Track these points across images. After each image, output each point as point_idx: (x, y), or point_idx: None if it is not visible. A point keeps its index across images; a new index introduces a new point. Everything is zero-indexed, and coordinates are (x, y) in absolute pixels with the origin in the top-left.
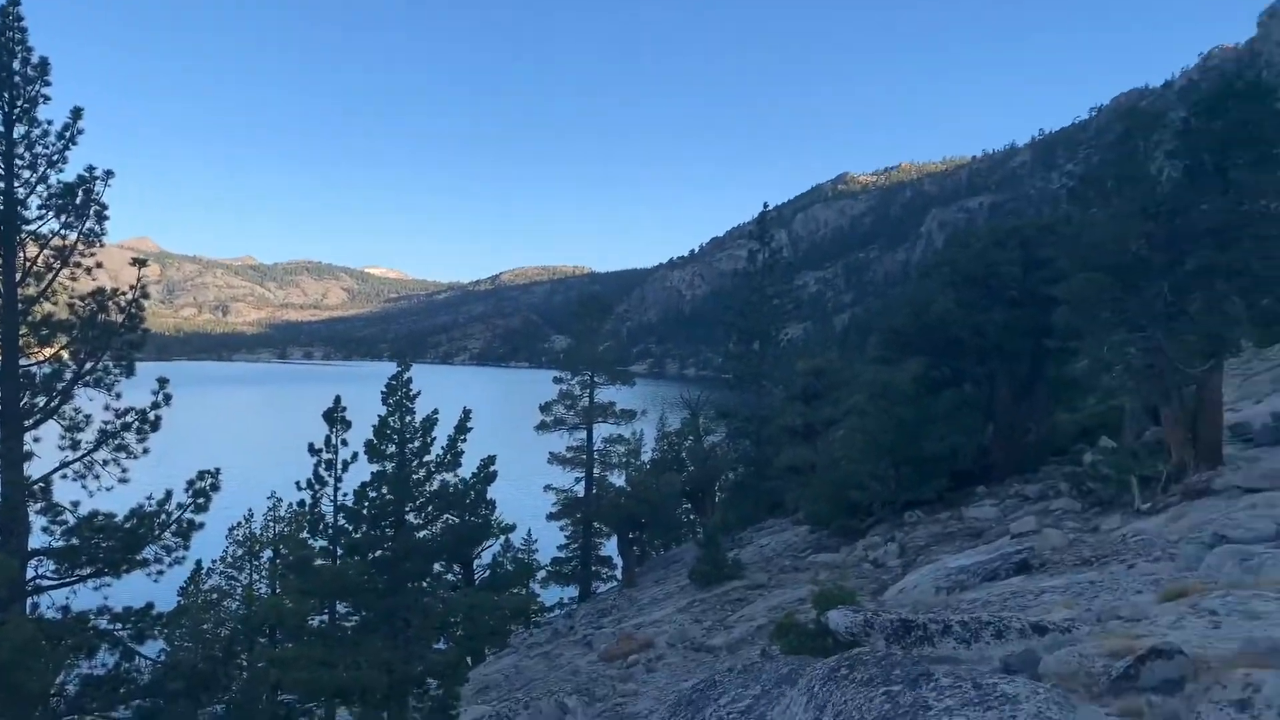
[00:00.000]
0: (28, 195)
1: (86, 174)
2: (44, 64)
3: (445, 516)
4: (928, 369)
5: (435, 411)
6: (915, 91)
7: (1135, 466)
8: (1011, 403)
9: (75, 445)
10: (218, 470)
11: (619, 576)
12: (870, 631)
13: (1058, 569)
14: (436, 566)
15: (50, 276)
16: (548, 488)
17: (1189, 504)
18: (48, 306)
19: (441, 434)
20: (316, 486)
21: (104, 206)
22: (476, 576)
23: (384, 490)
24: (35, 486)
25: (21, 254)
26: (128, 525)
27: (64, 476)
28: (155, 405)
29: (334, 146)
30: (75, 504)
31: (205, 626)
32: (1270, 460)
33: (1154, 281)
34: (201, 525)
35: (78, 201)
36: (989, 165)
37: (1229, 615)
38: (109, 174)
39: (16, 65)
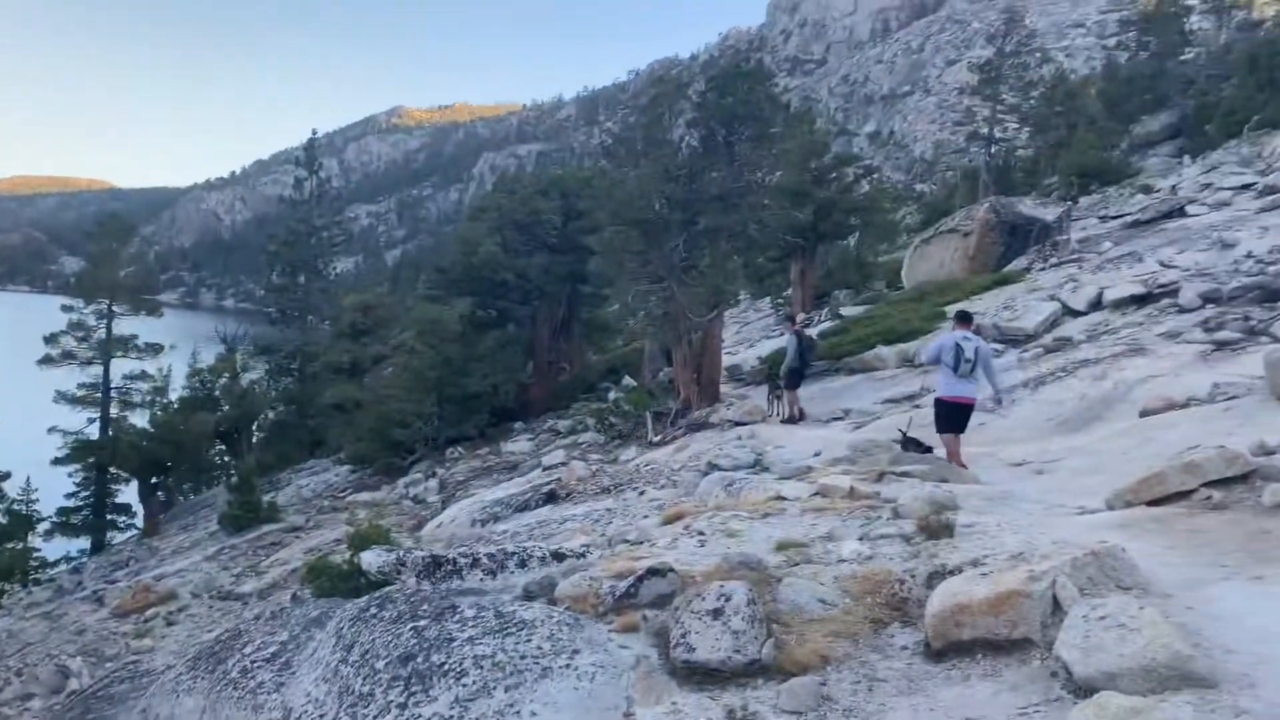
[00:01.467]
0: None
1: None
2: None
3: None
4: (475, 309)
5: None
6: (472, 33)
7: (650, 403)
8: (549, 343)
9: None
10: None
11: (139, 525)
12: (402, 569)
13: (581, 498)
14: None
15: None
16: (53, 429)
17: (692, 436)
18: None
19: None
20: None
21: None
22: None
23: None
24: None
25: None
26: None
27: None
28: None
29: None
30: None
31: None
32: (756, 398)
33: (672, 238)
34: None
35: None
36: (538, 115)
37: (713, 534)
38: None
39: None
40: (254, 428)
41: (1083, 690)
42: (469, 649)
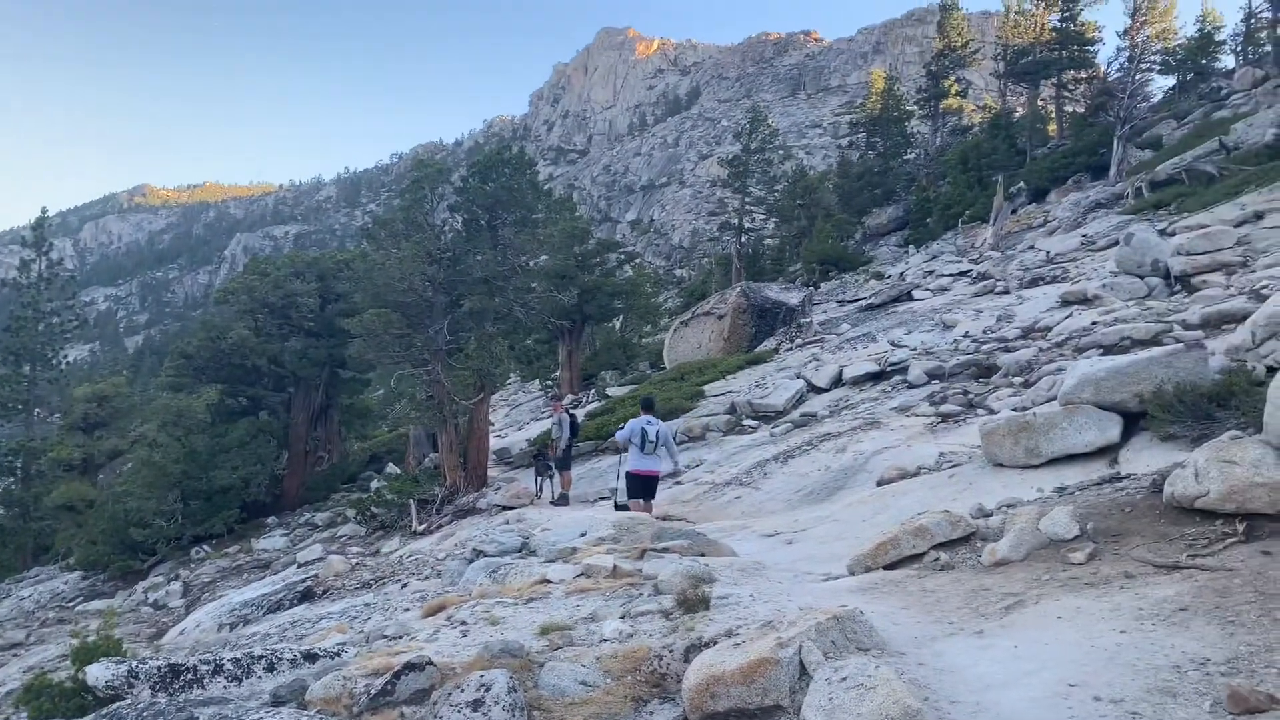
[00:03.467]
0: None
1: None
2: None
3: None
4: (224, 396)
5: None
6: (223, 109)
7: (415, 490)
8: (306, 430)
9: None
10: None
11: None
12: (135, 682)
13: (339, 594)
14: None
15: None
16: None
17: (458, 523)
18: None
19: None
20: None
21: None
22: None
23: None
24: None
25: None
26: None
27: None
28: None
29: None
30: None
31: None
32: (525, 481)
33: (436, 321)
34: None
35: None
36: (296, 196)
37: (476, 623)
38: None
39: None
40: None
41: None
42: None
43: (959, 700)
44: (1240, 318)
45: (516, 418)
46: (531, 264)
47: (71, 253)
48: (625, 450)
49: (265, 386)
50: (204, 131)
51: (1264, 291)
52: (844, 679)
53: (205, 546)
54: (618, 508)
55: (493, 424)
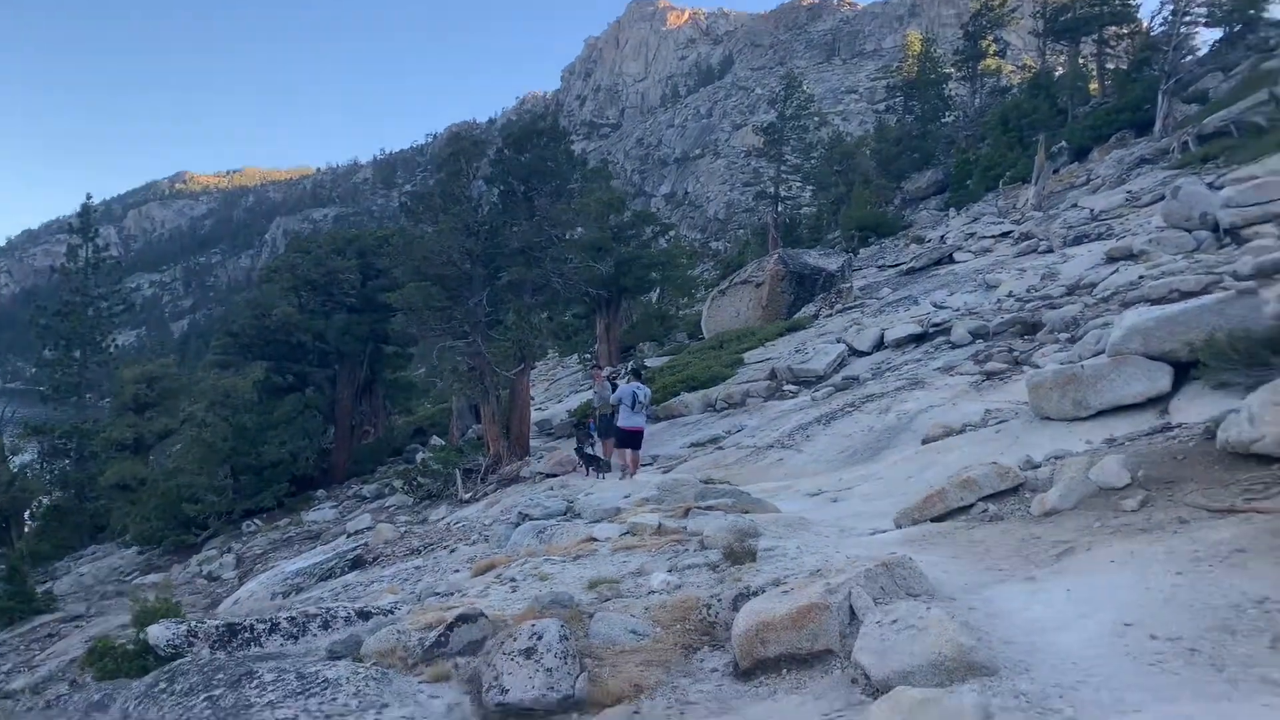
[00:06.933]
0: None
1: None
2: None
3: None
4: (270, 374)
5: None
6: (259, 97)
7: (459, 460)
8: (351, 405)
9: None
10: None
11: None
12: (195, 641)
13: (389, 561)
14: None
15: None
16: None
17: (503, 491)
18: None
19: None
20: None
21: None
22: None
23: None
24: None
25: None
26: None
27: None
28: None
29: None
30: None
31: None
32: (565, 450)
33: (475, 293)
34: None
35: None
36: (333, 178)
37: (526, 580)
38: None
39: None
40: (26, 516)
41: (880, 691)
42: (269, 714)
43: (1013, 641)
44: None
45: (556, 391)
46: (568, 235)
47: (116, 240)
48: (616, 409)
49: (310, 363)
50: (240, 118)
51: None
52: (894, 621)
53: (256, 520)
54: (586, 460)
55: (533, 398)
